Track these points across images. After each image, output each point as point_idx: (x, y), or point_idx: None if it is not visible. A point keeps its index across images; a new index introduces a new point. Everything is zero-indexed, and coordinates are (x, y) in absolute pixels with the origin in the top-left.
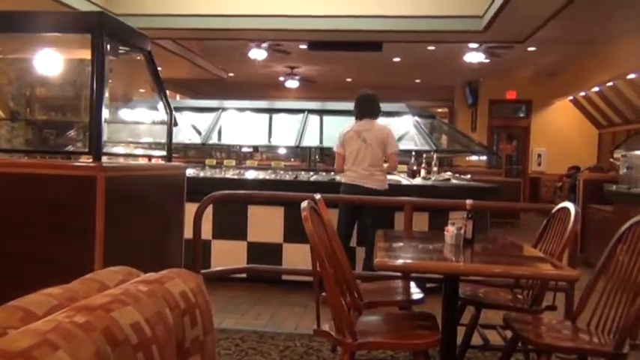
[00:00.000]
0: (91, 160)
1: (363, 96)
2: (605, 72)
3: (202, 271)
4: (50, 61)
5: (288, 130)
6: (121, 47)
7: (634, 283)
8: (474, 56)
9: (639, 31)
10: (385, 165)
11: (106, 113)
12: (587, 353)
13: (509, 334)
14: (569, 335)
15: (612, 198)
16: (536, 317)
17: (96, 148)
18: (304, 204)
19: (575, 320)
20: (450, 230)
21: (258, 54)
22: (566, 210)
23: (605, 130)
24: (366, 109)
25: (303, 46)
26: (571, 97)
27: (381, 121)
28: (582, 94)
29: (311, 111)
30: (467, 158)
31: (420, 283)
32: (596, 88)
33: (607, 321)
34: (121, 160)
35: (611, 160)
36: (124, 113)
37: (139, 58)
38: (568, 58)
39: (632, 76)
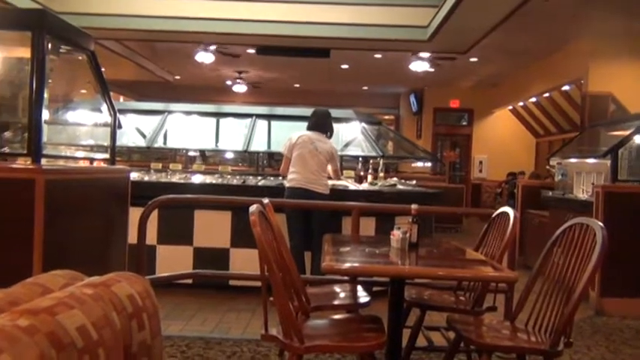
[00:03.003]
0: (29, 162)
1: (320, 111)
2: (542, 83)
3: (147, 276)
4: None
5: (235, 134)
6: (62, 46)
7: (568, 285)
8: (419, 65)
9: (573, 45)
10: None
11: (45, 114)
12: (525, 351)
13: (452, 335)
14: (508, 335)
15: (548, 203)
16: (478, 318)
17: (35, 150)
18: (253, 208)
19: (514, 320)
20: (396, 234)
21: (205, 57)
22: (505, 215)
23: (542, 138)
24: (321, 124)
25: (251, 51)
26: (510, 107)
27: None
28: (521, 104)
29: (259, 116)
30: (412, 164)
31: (367, 287)
32: (533, 99)
33: (543, 320)
34: (62, 162)
35: (548, 167)
36: (65, 114)
37: (81, 58)
38: (507, 70)
39: (566, 87)
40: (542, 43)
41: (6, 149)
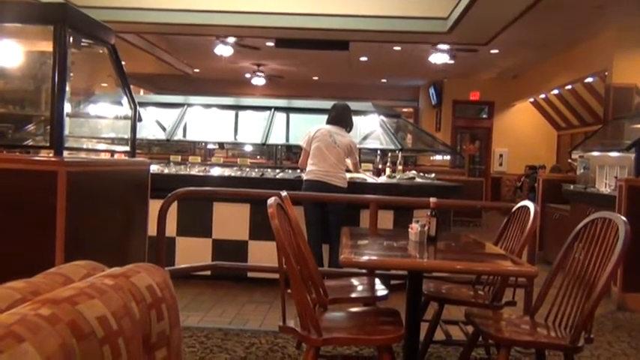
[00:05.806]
0: (52, 154)
1: (340, 105)
2: (564, 75)
3: (166, 268)
4: (9, 53)
5: (254, 127)
6: (83, 40)
7: (589, 280)
8: (439, 57)
9: (597, 37)
10: (346, 169)
11: (67, 107)
12: (544, 347)
13: (470, 329)
14: (527, 330)
15: (570, 197)
16: (497, 312)
17: (57, 143)
18: (271, 200)
19: (534, 315)
20: (415, 228)
21: (224, 50)
22: (525, 209)
23: (563, 131)
24: (340, 118)
25: (270, 44)
26: (532, 100)
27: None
28: (542, 96)
29: (277, 108)
30: (431, 157)
31: (385, 280)
32: (555, 91)
33: (564, 316)
34: (83, 155)
35: (569, 160)
36: (87, 107)
37: (102, 51)
38: (529, 61)
39: (589, 79)
40: (565, 34)
41: (29, 142)
